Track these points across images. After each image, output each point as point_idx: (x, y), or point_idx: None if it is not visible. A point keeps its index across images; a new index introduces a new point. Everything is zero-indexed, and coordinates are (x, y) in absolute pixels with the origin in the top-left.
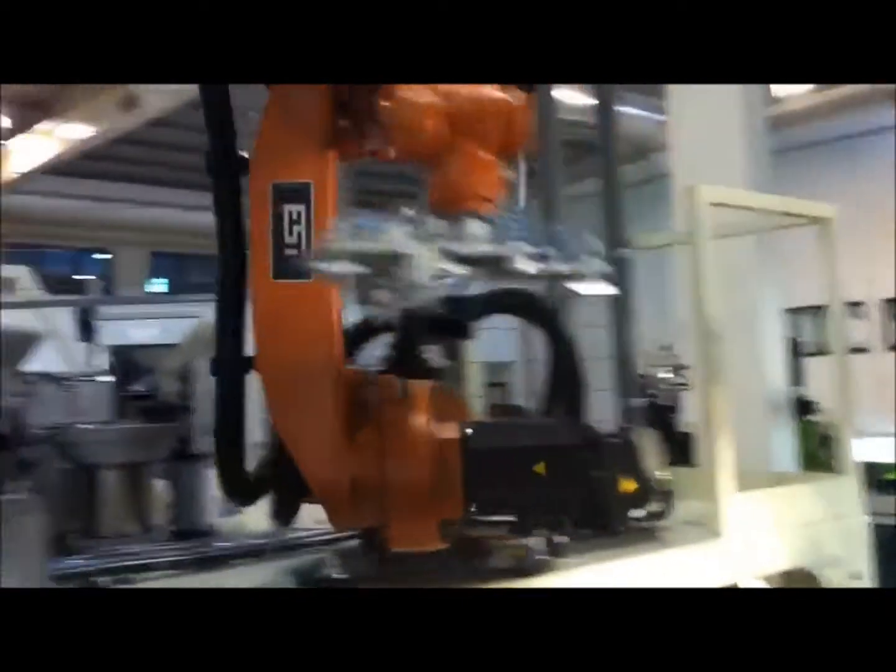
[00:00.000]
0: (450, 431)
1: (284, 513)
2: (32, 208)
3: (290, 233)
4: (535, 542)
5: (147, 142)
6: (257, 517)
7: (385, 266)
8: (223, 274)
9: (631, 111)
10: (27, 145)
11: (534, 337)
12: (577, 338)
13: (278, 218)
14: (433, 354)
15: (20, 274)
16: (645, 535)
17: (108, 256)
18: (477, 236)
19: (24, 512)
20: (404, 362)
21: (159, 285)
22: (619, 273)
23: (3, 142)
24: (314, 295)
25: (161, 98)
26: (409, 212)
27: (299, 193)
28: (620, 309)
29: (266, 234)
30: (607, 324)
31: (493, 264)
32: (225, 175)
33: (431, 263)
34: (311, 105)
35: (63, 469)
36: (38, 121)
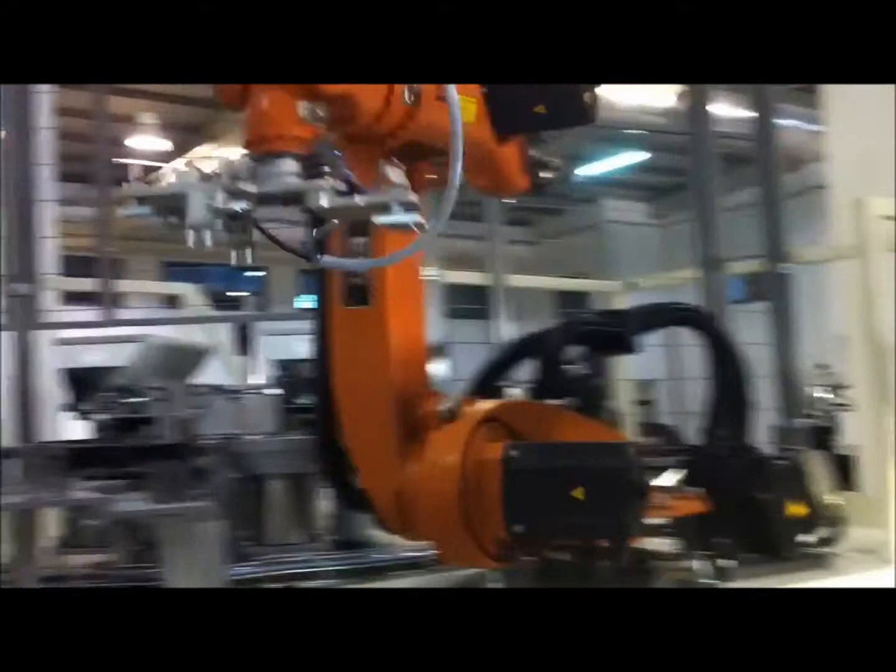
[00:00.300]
0: (492, 453)
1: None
2: None
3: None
4: (701, 565)
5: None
6: None
7: (169, 207)
8: (317, 296)
9: (782, 122)
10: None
11: (681, 354)
12: (745, 355)
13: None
14: (584, 371)
15: (188, 291)
16: (814, 562)
17: (262, 274)
18: (279, 174)
19: (205, 518)
20: (548, 380)
21: (308, 302)
22: (780, 288)
23: (163, 164)
24: (373, 321)
25: None
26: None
27: (362, 226)
28: (781, 325)
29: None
30: (767, 341)
31: (288, 201)
32: None
33: (208, 202)
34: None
35: (232, 478)
36: (196, 144)
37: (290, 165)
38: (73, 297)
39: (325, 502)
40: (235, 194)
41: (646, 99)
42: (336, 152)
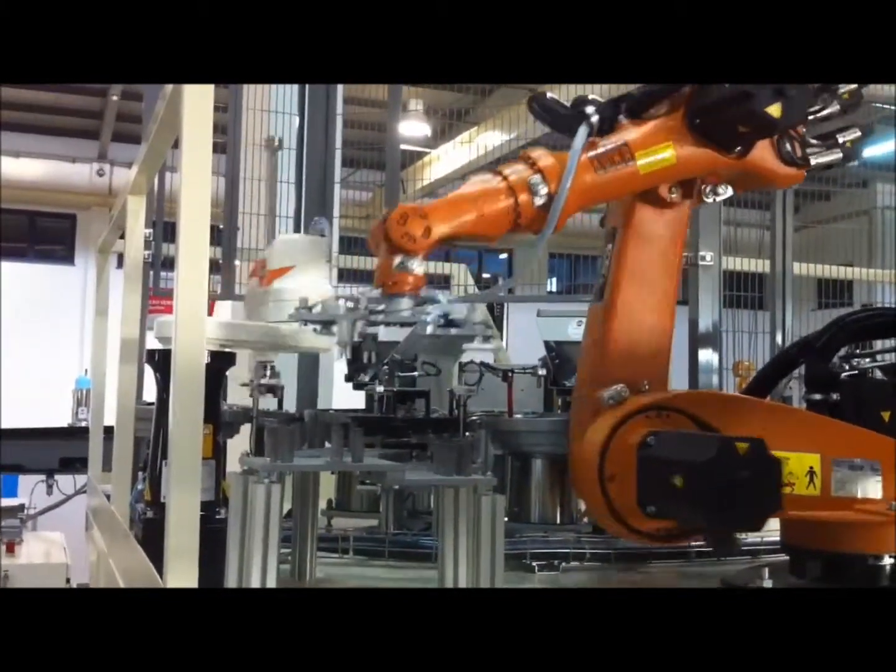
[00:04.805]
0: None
1: None
2: None
3: None
4: None
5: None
6: None
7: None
8: None
9: None
10: (448, 153)
11: None
12: None
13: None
14: (849, 369)
15: (456, 272)
16: None
17: (504, 256)
18: (398, 310)
19: (488, 491)
20: (811, 372)
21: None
22: None
23: (429, 150)
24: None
25: None
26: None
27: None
28: None
29: None
30: None
31: (404, 326)
32: None
33: (351, 327)
34: None
35: (497, 455)
36: (460, 130)
37: (406, 303)
38: (346, 275)
39: None
40: (369, 322)
41: None
42: (440, 294)
